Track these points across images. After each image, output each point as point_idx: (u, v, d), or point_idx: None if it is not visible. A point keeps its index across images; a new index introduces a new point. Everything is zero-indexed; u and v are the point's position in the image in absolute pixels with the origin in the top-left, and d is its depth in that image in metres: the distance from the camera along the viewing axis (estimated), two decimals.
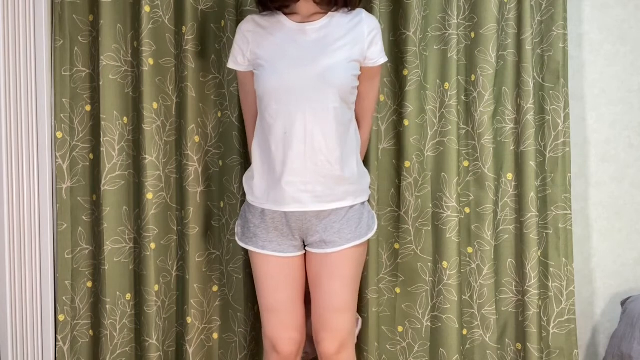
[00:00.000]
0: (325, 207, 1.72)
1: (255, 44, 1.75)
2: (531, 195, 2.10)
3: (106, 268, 2.04)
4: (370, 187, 1.88)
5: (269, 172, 1.74)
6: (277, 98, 1.69)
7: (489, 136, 2.11)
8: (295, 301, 1.77)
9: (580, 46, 2.25)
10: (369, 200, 1.88)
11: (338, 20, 1.74)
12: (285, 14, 1.76)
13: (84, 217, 2.09)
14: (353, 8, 1.76)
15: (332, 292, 1.72)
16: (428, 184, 2.12)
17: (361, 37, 1.73)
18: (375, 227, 1.82)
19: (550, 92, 2.12)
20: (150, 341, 2.04)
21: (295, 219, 1.74)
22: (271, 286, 1.76)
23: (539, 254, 2.13)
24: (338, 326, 1.73)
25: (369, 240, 1.82)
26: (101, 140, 2.02)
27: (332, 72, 1.67)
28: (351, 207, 1.76)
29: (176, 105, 2.08)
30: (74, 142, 2.07)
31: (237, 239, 1.84)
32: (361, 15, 1.76)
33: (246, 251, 2.03)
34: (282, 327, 1.75)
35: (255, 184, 1.77)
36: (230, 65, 1.82)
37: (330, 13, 1.75)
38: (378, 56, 1.76)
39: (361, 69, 1.74)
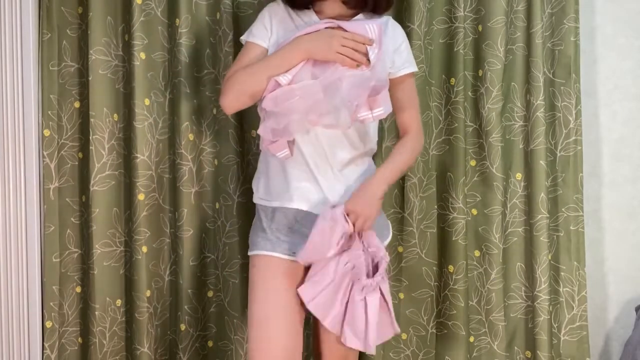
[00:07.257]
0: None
1: (282, 30, 1.69)
2: (541, 196, 2.09)
3: (95, 272, 2.04)
4: None
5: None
6: None
7: (497, 134, 2.10)
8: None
9: (593, 40, 2.24)
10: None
11: None
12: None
13: (72, 219, 2.08)
14: (380, 14, 1.72)
15: None
16: (433, 184, 2.11)
17: (386, 44, 1.67)
18: (390, 237, 1.79)
19: (562, 88, 2.11)
20: (142, 349, 2.04)
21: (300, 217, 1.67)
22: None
23: (550, 257, 2.12)
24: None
25: None
26: (90, 138, 2.02)
27: None
28: None
29: (169, 101, 2.08)
30: (62, 141, 2.06)
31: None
32: (387, 23, 1.72)
33: (243, 255, 2.03)
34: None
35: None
36: (249, 38, 1.70)
37: (356, 17, 1.70)
38: (402, 64, 1.70)
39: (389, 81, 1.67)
